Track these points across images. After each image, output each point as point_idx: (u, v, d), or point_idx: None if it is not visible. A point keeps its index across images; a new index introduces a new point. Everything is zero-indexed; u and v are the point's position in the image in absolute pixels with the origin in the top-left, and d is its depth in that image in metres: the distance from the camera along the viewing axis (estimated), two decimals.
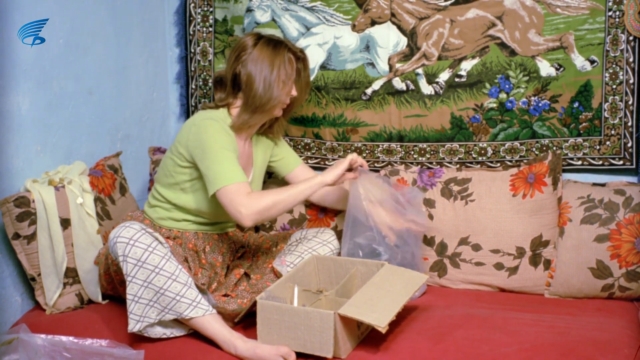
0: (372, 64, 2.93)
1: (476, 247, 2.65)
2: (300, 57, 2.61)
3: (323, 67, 2.99)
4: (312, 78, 2.99)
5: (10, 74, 2.41)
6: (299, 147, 3.10)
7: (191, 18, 3.17)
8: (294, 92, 2.57)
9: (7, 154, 2.43)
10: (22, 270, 2.47)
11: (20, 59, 2.45)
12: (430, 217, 2.72)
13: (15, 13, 2.42)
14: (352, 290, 2.29)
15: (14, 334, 2.14)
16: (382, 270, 2.30)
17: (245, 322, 2.30)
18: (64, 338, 2.16)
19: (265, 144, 2.74)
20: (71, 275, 2.49)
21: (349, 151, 3.02)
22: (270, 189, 2.52)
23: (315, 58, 2.99)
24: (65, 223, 2.46)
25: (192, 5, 3.16)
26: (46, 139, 2.58)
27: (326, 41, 2.97)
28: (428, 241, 2.71)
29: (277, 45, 2.51)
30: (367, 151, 3.00)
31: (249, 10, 3.03)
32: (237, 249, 2.68)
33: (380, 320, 1.99)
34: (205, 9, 3.14)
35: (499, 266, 2.61)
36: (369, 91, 2.94)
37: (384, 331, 1.98)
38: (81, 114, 2.76)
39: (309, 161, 3.09)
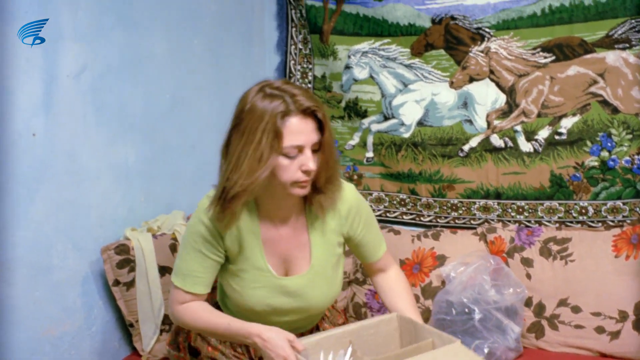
0: (469, 121, 2.92)
1: (576, 309, 2.56)
2: (309, 115, 1.87)
3: (420, 123, 3.00)
4: (408, 134, 3.00)
5: (120, 127, 2.53)
6: (394, 202, 3.10)
7: (291, 74, 3.25)
8: (309, 166, 1.86)
9: (113, 203, 2.53)
10: (120, 316, 2.54)
11: (129, 114, 2.57)
12: (528, 276, 2.65)
13: (129, 70, 2.54)
14: None
15: None
16: (446, 347, 1.85)
17: None
18: None
19: (329, 225, 2.07)
20: (168, 322, 2.54)
21: (445, 207, 3.00)
22: (205, 311, 2.01)
23: (412, 114, 3.00)
24: (163, 270, 2.53)
25: (292, 62, 3.24)
26: (150, 189, 2.68)
27: (423, 98, 2.98)
28: (526, 301, 2.63)
29: (265, 106, 1.83)
30: (463, 208, 2.98)
31: (348, 67, 3.09)
32: None
33: None
34: (305, 65, 3.22)
35: (599, 330, 2.51)
36: (466, 148, 2.93)
37: None
38: (183, 166, 2.85)
39: (404, 217, 3.09)
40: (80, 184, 2.37)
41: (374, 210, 3.16)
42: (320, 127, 1.88)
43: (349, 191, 2.08)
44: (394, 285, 2.16)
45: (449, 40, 2.89)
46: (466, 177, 2.95)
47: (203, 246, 1.97)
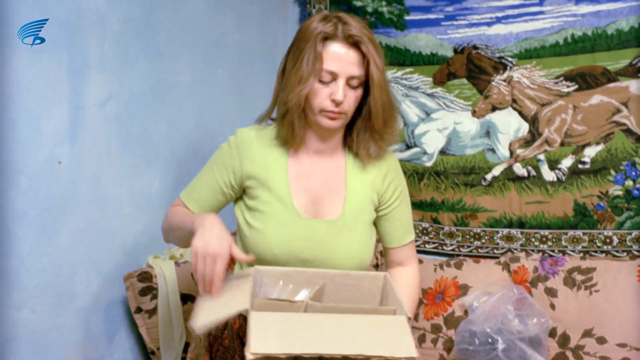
0: (492, 150, 2.92)
1: (601, 340, 2.53)
2: (352, 43, 1.82)
3: (442, 152, 3.00)
4: (431, 163, 3.00)
5: (144, 156, 2.55)
6: (417, 231, 3.09)
7: None
8: (337, 96, 1.80)
9: (136, 231, 2.55)
10: (142, 344, 2.55)
11: (154, 142, 2.59)
12: (552, 306, 2.63)
13: (161, 99, 2.58)
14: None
15: None
16: (388, 316, 1.52)
17: None
18: None
19: (371, 175, 1.99)
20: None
21: (468, 237, 2.99)
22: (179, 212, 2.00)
23: (434, 143, 3.01)
24: (185, 298, 2.53)
25: None
26: None
27: (446, 127, 2.98)
28: (550, 332, 2.61)
29: (316, 27, 1.82)
30: (486, 237, 2.96)
31: None
32: None
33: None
34: None
35: None
36: (488, 177, 2.92)
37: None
38: None
39: (427, 246, 3.07)
40: (104, 211, 2.39)
41: None
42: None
43: (393, 156, 2.06)
44: (404, 280, 2.02)
45: (471, 69, 2.90)
46: (489, 206, 2.94)
47: (215, 165, 1.98)
